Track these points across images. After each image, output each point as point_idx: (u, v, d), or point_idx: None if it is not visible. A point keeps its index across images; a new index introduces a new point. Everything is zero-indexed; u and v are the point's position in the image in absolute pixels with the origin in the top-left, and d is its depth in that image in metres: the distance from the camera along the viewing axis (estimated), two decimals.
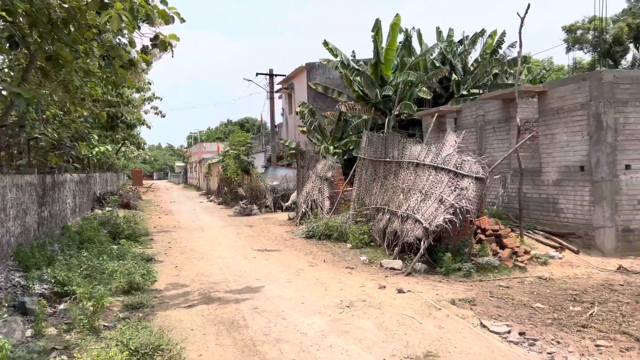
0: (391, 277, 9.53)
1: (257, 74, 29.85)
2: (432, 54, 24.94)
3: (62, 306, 7.60)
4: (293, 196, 22.46)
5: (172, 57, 12.05)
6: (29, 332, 6.38)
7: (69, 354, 5.35)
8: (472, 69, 24.71)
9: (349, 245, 12.71)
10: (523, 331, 6.26)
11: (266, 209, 23.88)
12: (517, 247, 10.65)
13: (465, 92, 23.77)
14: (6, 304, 7.21)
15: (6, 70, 15.33)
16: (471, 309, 7.30)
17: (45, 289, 8.23)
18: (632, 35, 38.73)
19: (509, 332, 6.23)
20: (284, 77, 30.67)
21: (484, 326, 6.47)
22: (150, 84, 35.39)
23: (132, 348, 5.06)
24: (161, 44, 13.75)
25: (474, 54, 25.78)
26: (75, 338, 5.92)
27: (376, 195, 13.46)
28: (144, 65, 16.64)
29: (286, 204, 23.19)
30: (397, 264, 10.25)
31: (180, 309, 7.69)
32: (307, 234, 14.76)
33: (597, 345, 5.77)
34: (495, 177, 11.79)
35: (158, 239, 15.64)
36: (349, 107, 23.54)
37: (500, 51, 25.26)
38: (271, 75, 29.48)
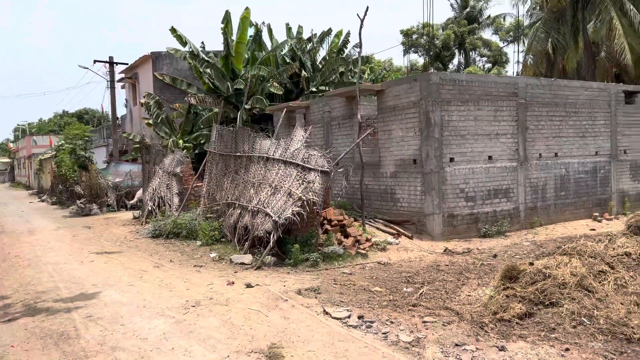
0: (241, 272, 9.47)
1: (95, 62, 27.45)
2: (282, 50, 25.32)
3: None
4: (139, 193, 21.16)
5: None
6: None
7: None
8: (320, 66, 25.63)
9: (199, 243, 12.35)
10: (362, 314, 6.64)
11: (108, 208, 22.16)
12: (360, 235, 11.32)
13: (314, 89, 24.58)
14: None
15: None
16: (316, 297, 7.56)
17: None
18: (457, 42, 43.66)
19: (349, 316, 6.57)
20: (127, 65, 28.66)
21: (327, 313, 6.73)
22: None
23: None
24: None
25: (322, 52, 26.79)
26: None
27: (227, 191, 13.26)
28: None
29: (131, 202, 21.79)
30: (247, 258, 10.22)
31: None
32: (154, 234, 14.00)
33: (424, 322, 6.35)
34: (339, 170, 12.37)
35: None
36: (199, 100, 22.84)
37: (346, 50, 26.61)
38: (111, 63, 27.34)
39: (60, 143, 27.32)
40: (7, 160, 76.33)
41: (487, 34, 46.20)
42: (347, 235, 11.20)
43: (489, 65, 45.58)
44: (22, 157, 56.90)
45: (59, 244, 13.57)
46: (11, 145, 71.34)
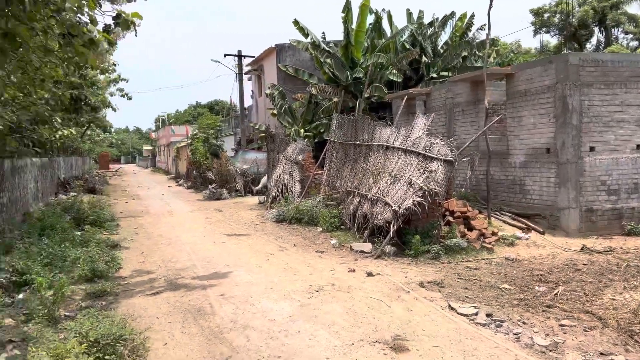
0: (361, 260, 9.52)
1: (225, 55, 29.31)
2: (402, 36, 24.84)
3: (20, 296, 7.30)
4: (263, 180, 22.23)
5: (135, 36, 11.64)
6: None
7: (26, 346, 5.12)
8: (442, 51, 24.75)
9: (319, 229, 12.66)
10: (490, 312, 6.32)
11: (236, 193, 23.61)
12: (485, 228, 10.78)
13: (435, 75, 23.82)
14: None
15: None
16: (439, 291, 7.34)
17: (2, 278, 7.89)
18: (597, 19, 39.47)
19: (476, 313, 6.28)
20: (253, 58, 30.13)
21: (452, 308, 6.50)
22: (115, 65, 34.32)
23: (92, 339, 4.87)
24: (123, 22, 13.25)
25: (444, 37, 25.82)
26: (34, 329, 5.67)
27: (346, 179, 13.40)
28: (105, 44, 16.05)
29: (256, 187, 22.97)
30: (367, 247, 10.25)
31: (146, 297, 7.50)
32: (278, 218, 14.64)
33: (561, 325, 5.87)
34: (463, 159, 11.86)
35: (124, 224, 15.27)
36: (319, 90, 23.31)
37: (470, 34, 25.35)
38: (240, 56, 28.92)
39: (194, 132, 29.64)
40: (149, 147, 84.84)
41: (633, 8, 41.20)
42: (470, 228, 10.73)
43: (634, 43, 40.63)
44: (162, 145, 62.81)
45: (194, 225, 14.75)
46: (153, 134, 79.12)
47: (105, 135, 63.77)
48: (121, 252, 10.82)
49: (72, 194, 22.90)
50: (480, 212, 11.78)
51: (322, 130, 23.45)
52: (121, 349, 5.09)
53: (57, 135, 28.36)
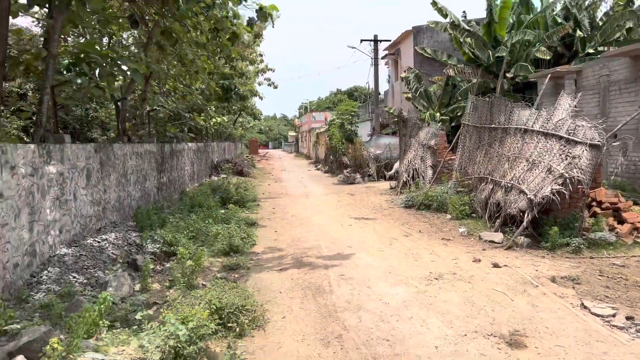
0: (489, 250, 9.06)
1: (361, 41, 29.49)
2: (553, 9, 22.66)
3: (168, 264, 8.30)
4: (396, 165, 22.11)
5: (273, 27, 12.28)
6: (137, 287, 7.07)
7: (165, 308, 5.83)
8: (600, 23, 22.06)
9: (449, 216, 12.27)
10: (631, 315, 5.61)
11: (369, 177, 23.85)
12: None
13: (591, 50, 21.35)
14: (121, 260, 8.06)
15: (133, 48, 16.77)
16: (573, 287, 6.70)
17: (156, 248, 9.03)
18: None
19: (614, 315, 5.63)
20: (390, 42, 29.89)
21: (585, 307, 5.90)
22: (261, 55, 36.55)
23: (216, 306, 5.38)
24: (262, 14, 14.08)
25: (604, 7, 22.96)
26: (174, 294, 6.43)
27: (479, 164, 12.75)
28: (246, 37, 17.31)
29: (389, 172, 22.94)
30: (498, 237, 9.69)
31: (273, 272, 8.02)
32: (406, 204, 14.51)
33: None
34: (614, 144, 10.54)
35: (264, 205, 16.36)
36: (458, 71, 22.38)
37: (637, 2, 22.18)
38: (375, 41, 28.89)
39: (332, 118, 30.48)
40: (294, 133, 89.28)
41: None
42: (621, 221, 9.55)
43: None
44: (304, 131, 65.68)
45: (325, 208, 15.29)
46: (296, 121, 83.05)
47: (255, 122, 68.55)
48: (258, 230, 11.67)
49: (222, 175, 25.17)
50: (635, 204, 10.41)
51: (459, 114, 22.53)
52: (242, 319, 5.55)
53: (212, 122, 31.23)
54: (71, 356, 4.02)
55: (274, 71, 39.15)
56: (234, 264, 8.39)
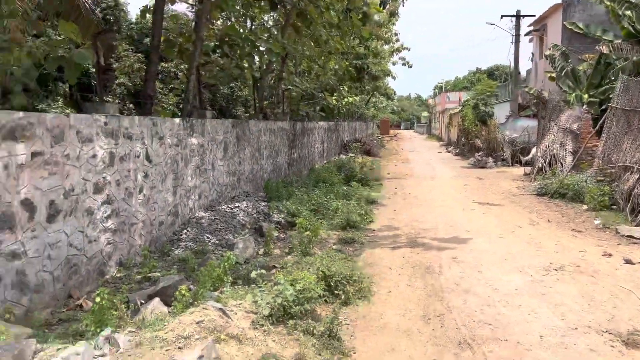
0: (625, 246, 8.26)
1: (501, 17, 27.65)
2: None
3: (291, 233, 8.94)
4: (534, 150, 20.69)
5: (402, 6, 12.23)
6: (261, 251, 7.77)
7: (282, 272, 6.37)
8: None
9: (584, 207, 11.31)
10: None
11: (502, 162, 22.65)
12: None
13: None
14: (249, 226, 8.87)
15: (273, 30, 17.84)
16: None
17: (281, 218, 9.75)
18: None
19: None
20: (534, 18, 27.66)
21: None
22: (397, 34, 36.20)
23: (325, 273, 5.75)
24: None
25: None
26: (291, 260, 6.96)
27: (626, 152, 11.49)
28: (376, 17, 17.33)
29: (525, 158, 21.55)
30: (638, 232, 8.78)
31: (386, 249, 8.23)
32: (539, 191, 13.62)
33: None
34: None
35: (387, 184, 16.52)
36: (613, 48, 20.04)
37: None
38: (518, 16, 26.92)
39: (466, 99, 29.34)
40: (427, 114, 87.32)
41: None
42: None
43: None
44: (437, 111, 63.96)
45: (450, 190, 14.98)
46: (430, 101, 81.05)
47: (388, 102, 68.30)
48: (377, 208, 11.91)
49: (350, 154, 25.76)
50: None
51: (610, 95, 20.27)
52: (349, 288, 5.87)
53: (343, 102, 31.90)
54: (196, 302, 4.66)
55: (409, 50, 38.48)
56: (350, 238, 8.74)
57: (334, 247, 8.18)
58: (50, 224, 5.08)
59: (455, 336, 4.86)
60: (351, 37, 21.75)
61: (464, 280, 6.54)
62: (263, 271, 5.81)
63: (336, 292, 5.75)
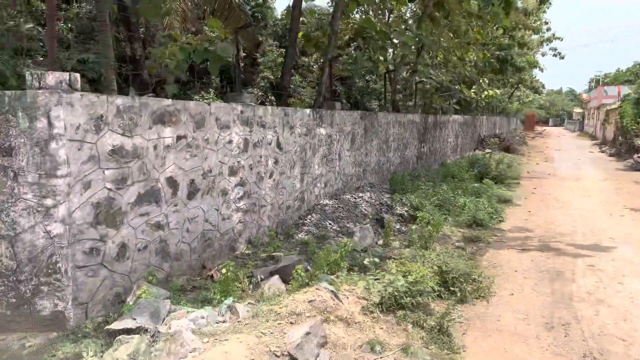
0: None
1: None
2: None
3: (413, 227, 8.86)
4: None
5: None
6: (380, 242, 7.84)
7: (396, 262, 6.38)
8: None
9: None
10: None
11: None
12: None
13: None
14: (370, 217, 8.99)
15: (411, 22, 17.69)
16: None
17: (404, 211, 9.71)
18: None
19: None
20: None
21: None
22: (547, 23, 33.48)
23: (441, 269, 5.64)
24: None
25: None
26: (408, 253, 6.92)
27: None
28: (520, 3, 16.14)
29: None
30: None
31: (513, 251, 7.78)
32: None
33: None
34: None
35: (525, 184, 15.47)
36: None
37: None
38: None
39: (627, 93, 26.17)
40: (579, 110, 79.44)
41: None
42: None
43: None
44: (591, 107, 57.84)
45: (596, 194, 13.55)
46: (584, 95, 73.51)
47: (535, 96, 63.38)
48: (509, 207, 11.25)
49: (487, 150, 24.52)
50: None
51: None
52: (466, 286, 5.68)
53: (483, 95, 30.42)
54: (310, 283, 4.90)
55: (561, 40, 35.02)
56: (475, 236, 8.42)
57: (457, 244, 7.95)
58: (190, 200, 5.68)
59: (579, 348, 4.47)
60: (493, 27, 20.64)
61: (599, 290, 5.94)
62: (377, 260, 5.87)
63: (452, 288, 5.61)
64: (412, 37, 12.85)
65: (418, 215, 8.87)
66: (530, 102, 64.39)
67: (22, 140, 4.03)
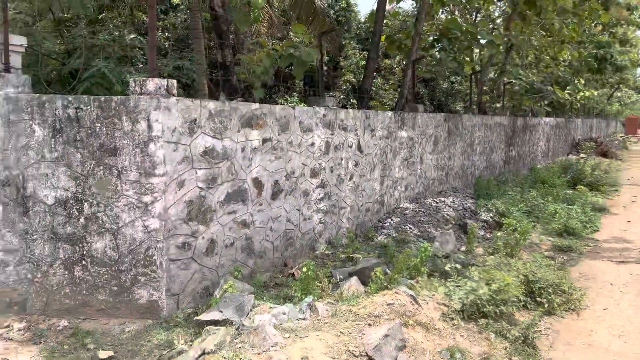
0: None
1: None
2: None
3: (498, 234, 8.53)
4: None
5: None
6: (462, 248, 7.64)
7: (479, 269, 6.18)
8: None
9: None
10: None
11: None
12: None
13: None
14: (453, 222, 8.79)
15: (499, 21, 17.10)
16: None
17: (489, 217, 9.38)
18: None
19: None
20: None
21: None
22: None
23: (528, 278, 5.39)
24: None
25: None
26: (492, 261, 6.68)
27: None
28: None
29: None
30: None
31: (609, 262, 7.27)
32: None
33: None
34: None
35: (625, 191, 14.35)
36: None
37: None
38: None
39: None
40: None
41: None
42: None
43: None
44: None
45: None
46: None
47: (638, 97, 58.47)
48: (605, 216, 10.50)
49: (581, 155, 23.01)
50: None
51: None
52: (555, 297, 5.40)
53: (578, 97, 28.61)
54: (389, 286, 4.90)
55: None
56: (566, 245, 7.96)
57: (545, 253, 7.56)
58: (274, 200, 5.89)
59: None
60: (591, 24, 19.37)
61: None
62: (458, 266, 5.74)
63: (539, 299, 5.35)
64: (499, 36, 12.39)
65: (504, 221, 8.56)
66: (632, 104, 59.43)
67: (125, 141, 4.40)
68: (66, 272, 4.59)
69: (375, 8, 9.94)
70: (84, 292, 4.59)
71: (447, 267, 5.57)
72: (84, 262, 4.57)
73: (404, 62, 16.23)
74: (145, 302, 4.53)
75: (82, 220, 4.53)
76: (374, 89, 18.40)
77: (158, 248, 4.47)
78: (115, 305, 4.58)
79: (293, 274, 5.89)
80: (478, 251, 7.47)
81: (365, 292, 5.01)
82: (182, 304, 4.72)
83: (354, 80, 19.12)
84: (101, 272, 4.56)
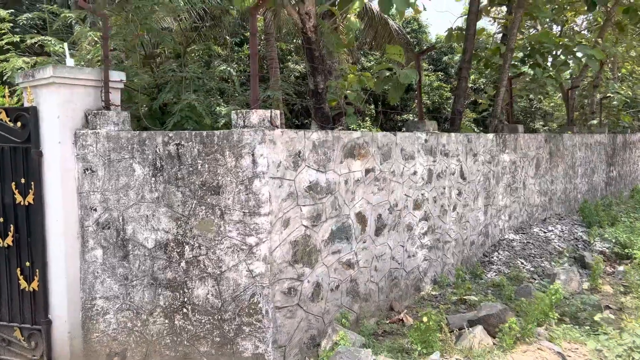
0: None
1: None
2: None
3: (620, 268, 7.50)
4: None
5: None
6: (585, 285, 6.70)
7: (620, 314, 5.29)
8: None
9: None
10: None
11: None
12: None
13: None
14: (567, 254, 7.82)
15: (586, 32, 15.92)
16: None
17: (605, 247, 8.33)
18: None
19: None
20: None
21: None
22: None
23: None
24: None
25: None
26: (631, 302, 5.76)
27: None
28: None
29: None
30: None
31: None
32: None
33: None
34: None
35: None
36: None
37: None
38: None
39: None
40: None
41: None
42: None
43: None
44: None
45: None
46: None
47: None
48: None
49: None
50: None
51: None
52: None
53: None
54: (526, 339, 4.18)
55: None
56: None
57: None
58: (377, 237, 5.35)
59: None
60: None
61: None
62: (607, 314, 4.89)
63: None
64: (599, 49, 11.36)
65: (628, 253, 7.54)
66: None
67: (229, 178, 4.05)
68: (166, 321, 4.26)
69: (465, 25, 9.33)
70: (185, 342, 4.22)
71: (596, 317, 4.73)
72: (184, 310, 4.21)
73: (491, 81, 15.38)
74: (250, 355, 4.09)
75: (183, 264, 4.20)
76: (448, 109, 17.60)
77: (264, 295, 4.04)
78: (217, 358, 4.17)
79: (402, 320, 5.28)
80: (605, 289, 6.51)
81: (496, 345, 4.31)
82: (289, 356, 4.24)
83: (428, 101, 18.43)
84: (203, 321, 4.18)
